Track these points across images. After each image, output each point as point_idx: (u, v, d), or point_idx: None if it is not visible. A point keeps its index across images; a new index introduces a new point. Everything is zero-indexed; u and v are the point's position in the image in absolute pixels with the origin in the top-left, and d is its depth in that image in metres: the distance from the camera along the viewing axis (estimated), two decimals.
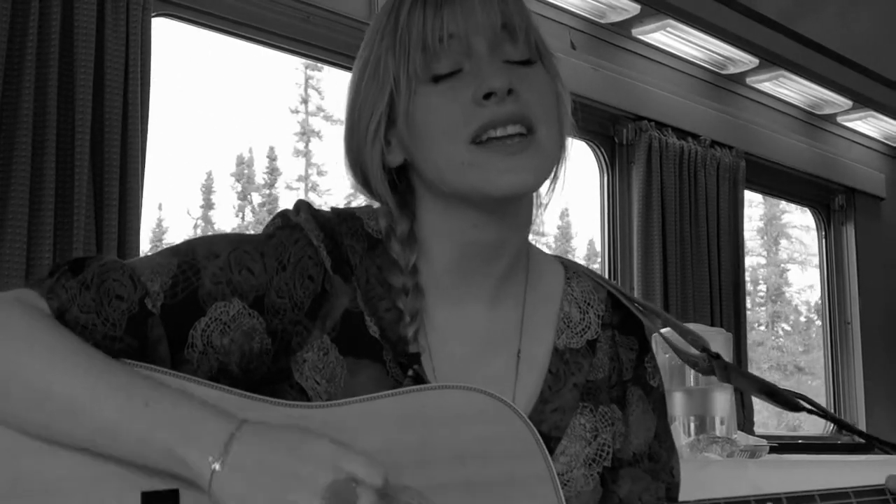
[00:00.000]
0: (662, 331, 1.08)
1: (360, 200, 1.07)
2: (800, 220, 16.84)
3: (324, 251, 0.96)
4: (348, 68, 3.23)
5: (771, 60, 3.72)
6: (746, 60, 3.70)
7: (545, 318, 1.03)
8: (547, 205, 1.02)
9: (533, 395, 0.99)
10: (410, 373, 0.95)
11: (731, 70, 3.78)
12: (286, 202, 17.50)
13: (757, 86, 3.93)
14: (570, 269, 1.08)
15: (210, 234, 0.99)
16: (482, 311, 1.00)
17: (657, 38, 3.48)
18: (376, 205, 1.03)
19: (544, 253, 1.09)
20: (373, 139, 0.97)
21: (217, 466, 0.79)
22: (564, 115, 0.99)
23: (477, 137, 0.91)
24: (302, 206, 0.99)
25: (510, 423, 0.87)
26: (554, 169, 0.98)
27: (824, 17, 3.66)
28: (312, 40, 2.67)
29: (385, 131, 0.97)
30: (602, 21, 3.32)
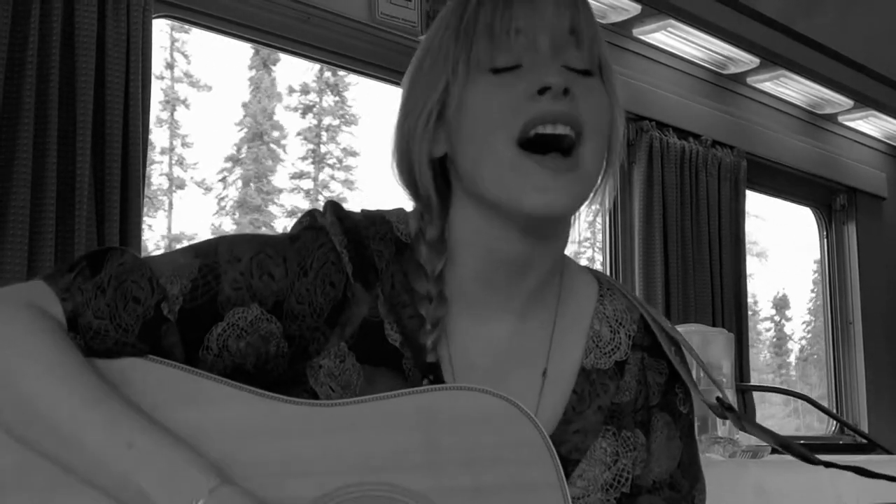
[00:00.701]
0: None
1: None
2: None
3: (346, 257, 0.94)
4: (349, 69, 3.20)
5: (772, 60, 3.72)
6: (747, 60, 3.69)
7: (574, 336, 1.00)
8: (588, 220, 1.01)
9: (556, 415, 0.96)
10: (426, 382, 0.93)
11: (732, 70, 3.77)
12: (154, 178, 16.87)
13: (758, 85, 3.93)
14: (605, 286, 1.05)
15: (234, 233, 0.97)
16: (508, 325, 0.98)
17: (658, 38, 3.48)
18: (408, 208, 1.01)
19: (580, 267, 1.06)
20: (424, 127, 0.95)
21: None
22: (615, 137, 0.97)
23: (525, 132, 0.89)
24: (329, 207, 0.97)
25: (522, 428, 0.85)
26: (592, 194, 0.96)
27: (825, 16, 3.65)
28: (312, 41, 2.67)
29: (435, 122, 0.95)
30: (603, 21, 3.32)
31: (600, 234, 3.53)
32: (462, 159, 0.93)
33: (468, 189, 0.94)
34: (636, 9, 3.24)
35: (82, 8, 2.13)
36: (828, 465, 0.97)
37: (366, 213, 0.99)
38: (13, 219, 2.00)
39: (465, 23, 0.93)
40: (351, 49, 2.71)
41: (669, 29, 3.40)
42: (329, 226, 0.95)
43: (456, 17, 0.95)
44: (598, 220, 3.54)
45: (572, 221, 1.00)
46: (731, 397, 2.49)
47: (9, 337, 0.83)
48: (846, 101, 4.15)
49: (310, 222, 0.96)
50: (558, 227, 0.97)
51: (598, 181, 0.97)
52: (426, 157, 0.96)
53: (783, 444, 0.97)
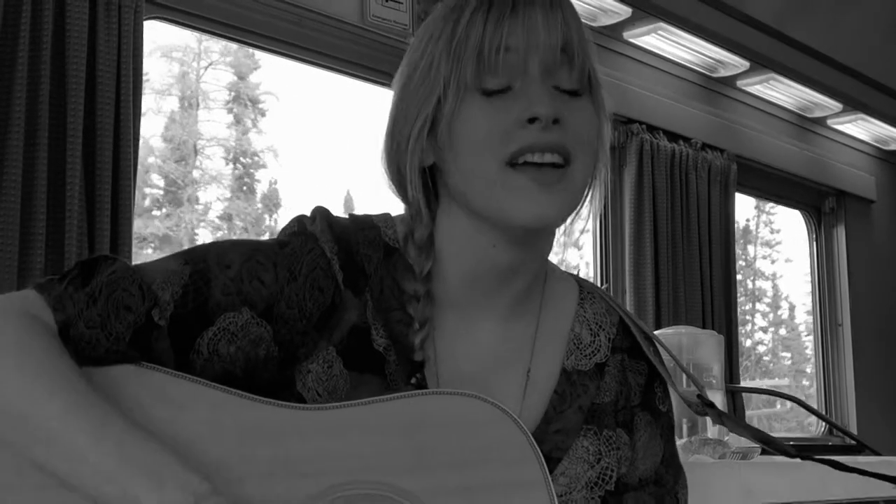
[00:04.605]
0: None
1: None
2: None
3: (336, 264, 0.95)
4: (340, 71, 3.19)
5: (761, 63, 3.74)
6: (737, 63, 3.71)
7: (556, 339, 1.03)
8: (580, 231, 1.02)
9: (537, 415, 0.99)
10: (413, 381, 0.95)
11: (722, 73, 3.79)
12: None
13: (748, 89, 3.95)
14: (585, 290, 1.07)
15: (224, 239, 0.98)
16: (494, 328, 1.00)
17: (648, 41, 3.49)
18: (394, 213, 1.02)
19: (561, 271, 1.08)
20: (415, 141, 0.95)
21: None
22: (601, 151, 0.99)
23: (513, 159, 0.90)
24: (318, 213, 0.98)
25: (506, 430, 0.87)
26: (581, 202, 0.98)
27: (815, 20, 3.68)
28: (304, 43, 2.67)
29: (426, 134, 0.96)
30: (593, 24, 3.33)
31: (590, 237, 3.54)
32: (452, 174, 0.95)
33: (457, 200, 0.96)
34: (626, 12, 3.25)
35: (73, 10, 2.13)
36: (805, 457, 1.00)
37: (354, 219, 1.00)
38: (3, 222, 2.00)
39: (455, 40, 0.93)
40: (342, 51, 2.71)
41: (660, 32, 3.41)
42: (319, 233, 0.96)
43: (447, 30, 0.94)
44: (589, 223, 3.55)
45: (558, 229, 1.01)
46: (721, 399, 2.49)
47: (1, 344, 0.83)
48: (835, 105, 4.17)
49: (299, 228, 0.98)
50: (544, 235, 0.99)
51: (587, 191, 0.99)
52: (416, 171, 0.96)
53: (763, 440, 1.00)
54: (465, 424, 0.88)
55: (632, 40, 3.46)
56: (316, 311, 0.94)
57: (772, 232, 11.29)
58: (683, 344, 2.53)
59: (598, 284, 3.43)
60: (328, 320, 0.94)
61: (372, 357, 0.95)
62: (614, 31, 3.39)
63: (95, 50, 2.16)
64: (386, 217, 1.02)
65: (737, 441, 2.48)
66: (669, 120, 3.60)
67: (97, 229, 2.13)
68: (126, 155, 2.19)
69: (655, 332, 1.09)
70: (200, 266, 0.92)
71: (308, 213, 1.00)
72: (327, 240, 0.96)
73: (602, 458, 1.00)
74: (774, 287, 11.18)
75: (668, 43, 3.52)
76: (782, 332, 11.29)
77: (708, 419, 2.45)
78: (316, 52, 2.71)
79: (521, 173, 0.90)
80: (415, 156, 0.95)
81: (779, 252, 11.31)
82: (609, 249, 3.49)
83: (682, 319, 3.45)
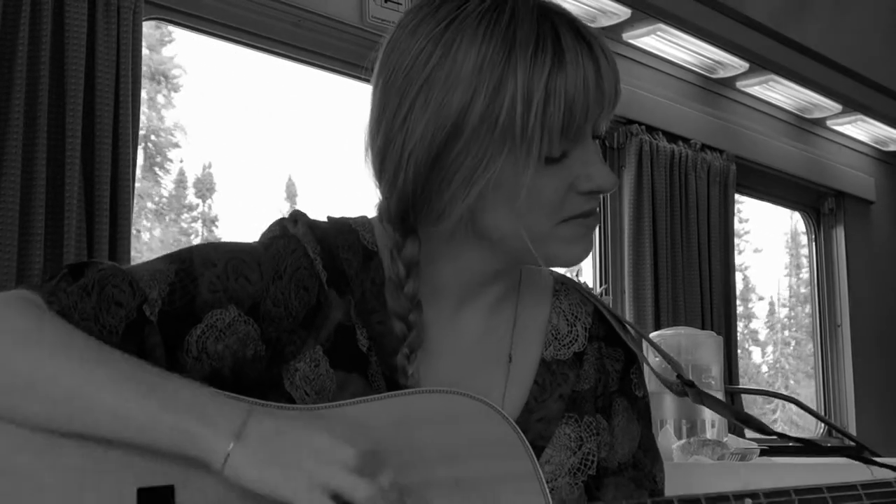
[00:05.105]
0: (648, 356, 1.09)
1: None
2: None
3: (320, 265, 0.96)
4: (339, 72, 3.18)
5: (761, 65, 3.74)
6: (737, 64, 3.71)
7: (534, 330, 1.05)
8: None
9: (519, 405, 1.00)
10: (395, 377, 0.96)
11: (722, 74, 3.79)
12: None
13: (747, 90, 3.95)
14: (559, 282, 1.09)
15: (210, 241, 0.99)
16: (475, 323, 1.02)
17: (648, 42, 3.50)
18: (369, 216, 1.03)
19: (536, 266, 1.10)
20: (467, 185, 0.90)
21: (232, 446, 0.79)
22: None
23: (568, 218, 0.93)
24: (299, 216, 1.00)
25: (495, 425, 0.89)
26: None
27: (814, 21, 3.68)
28: (303, 44, 2.67)
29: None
30: (593, 25, 3.32)
31: None
32: (491, 223, 0.93)
33: (482, 235, 0.95)
34: (626, 13, 3.26)
35: (72, 10, 2.13)
36: (782, 436, 1.05)
37: (333, 222, 1.01)
38: (3, 221, 2.00)
39: (534, 107, 0.86)
40: (341, 52, 2.71)
41: (659, 33, 3.41)
42: (301, 235, 0.97)
43: (539, 75, 0.87)
44: None
45: None
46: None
47: (6, 318, 0.84)
48: (835, 106, 4.17)
49: (280, 231, 0.99)
50: None
51: None
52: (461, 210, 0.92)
53: (741, 419, 1.02)
54: (452, 420, 0.89)
55: (631, 41, 3.46)
56: (302, 309, 0.95)
57: (740, 221, 11.10)
58: (682, 345, 2.53)
59: (598, 286, 3.44)
60: (314, 319, 0.95)
61: (357, 357, 0.96)
62: (614, 33, 3.39)
63: (94, 51, 2.16)
64: (363, 220, 1.02)
65: (735, 442, 2.47)
66: (669, 121, 3.60)
67: (96, 230, 2.13)
68: (125, 155, 2.19)
69: (655, 333, 1.11)
70: (186, 265, 0.93)
71: (287, 216, 1.00)
72: (309, 241, 0.97)
73: (583, 444, 1.02)
74: (745, 279, 11.01)
75: (668, 44, 3.53)
76: (753, 325, 11.13)
77: (707, 420, 2.46)
78: (314, 52, 2.71)
79: (572, 225, 0.94)
80: (468, 201, 0.90)
81: (747, 241, 11.09)
82: (608, 250, 3.49)
83: (681, 320, 3.45)
